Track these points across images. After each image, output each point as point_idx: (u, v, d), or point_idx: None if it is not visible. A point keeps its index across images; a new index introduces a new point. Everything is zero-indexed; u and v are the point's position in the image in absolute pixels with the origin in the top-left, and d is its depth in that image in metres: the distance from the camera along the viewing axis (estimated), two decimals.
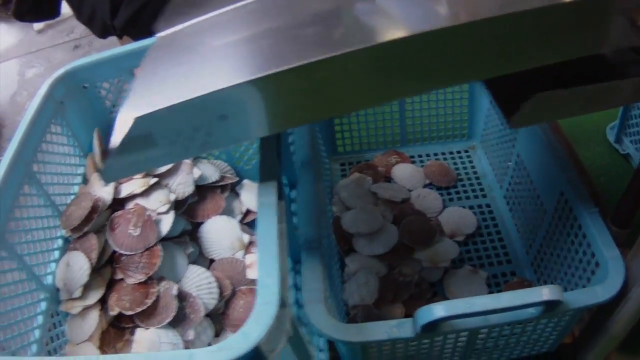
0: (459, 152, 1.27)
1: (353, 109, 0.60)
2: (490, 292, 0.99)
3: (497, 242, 1.09)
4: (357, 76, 0.55)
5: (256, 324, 0.52)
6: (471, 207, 1.14)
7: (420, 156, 1.25)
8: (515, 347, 0.86)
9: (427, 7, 0.55)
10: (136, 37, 1.16)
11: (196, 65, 0.64)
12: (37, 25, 2.40)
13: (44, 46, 2.29)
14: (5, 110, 2.00)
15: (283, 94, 0.56)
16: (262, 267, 0.56)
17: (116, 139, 0.59)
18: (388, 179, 1.18)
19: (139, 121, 0.57)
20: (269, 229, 0.59)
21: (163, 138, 0.60)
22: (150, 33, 0.92)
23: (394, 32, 0.52)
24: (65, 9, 1.52)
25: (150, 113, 0.56)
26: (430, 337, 0.73)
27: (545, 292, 0.66)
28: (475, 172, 1.23)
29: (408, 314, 0.91)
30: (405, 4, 0.57)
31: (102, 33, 1.29)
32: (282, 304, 0.54)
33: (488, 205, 1.16)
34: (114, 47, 1.00)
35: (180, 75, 0.63)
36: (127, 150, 0.60)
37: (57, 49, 2.23)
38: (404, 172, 1.18)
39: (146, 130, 0.58)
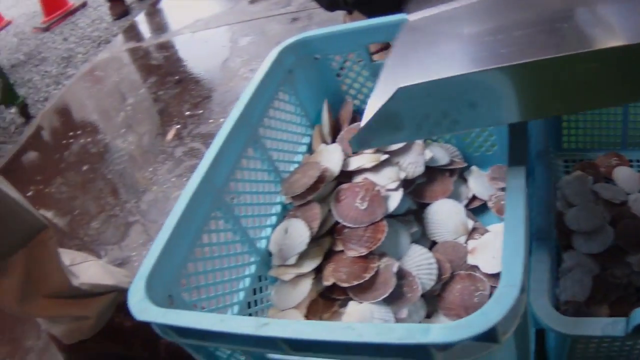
0: None
1: (599, 106, 0.64)
2: None
3: None
4: (610, 73, 0.58)
5: (497, 305, 0.55)
6: None
7: (638, 161, 1.25)
8: None
9: None
10: (369, 14, 1.23)
11: (453, 48, 0.70)
12: None
13: (257, 16, 2.45)
14: (216, 75, 2.17)
15: (539, 82, 0.61)
16: (508, 250, 0.59)
17: (374, 107, 0.67)
18: (607, 180, 1.19)
19: (401, 91, 0.64)
20: (517, 212, 0.62)
21: (421, 111, 0.67)
22: (384, 11, 0.99)
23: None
24: None
25: (414, 85, 0.64)
26: (635, 339, 0.74)
27: None
28: None
29: (612, 315, 0.92)
30: None
31: (330, 6, 1.38)
32: (522, 289, 0.57)
33: None
34: (336, 22, 1.07)
35: (438, 55, 0.70)
36: (384, 120, 0.68)
37: (272, 20, 2.37)
38: (624, 175, 1.19)
39: (406, 102, 0.66)
